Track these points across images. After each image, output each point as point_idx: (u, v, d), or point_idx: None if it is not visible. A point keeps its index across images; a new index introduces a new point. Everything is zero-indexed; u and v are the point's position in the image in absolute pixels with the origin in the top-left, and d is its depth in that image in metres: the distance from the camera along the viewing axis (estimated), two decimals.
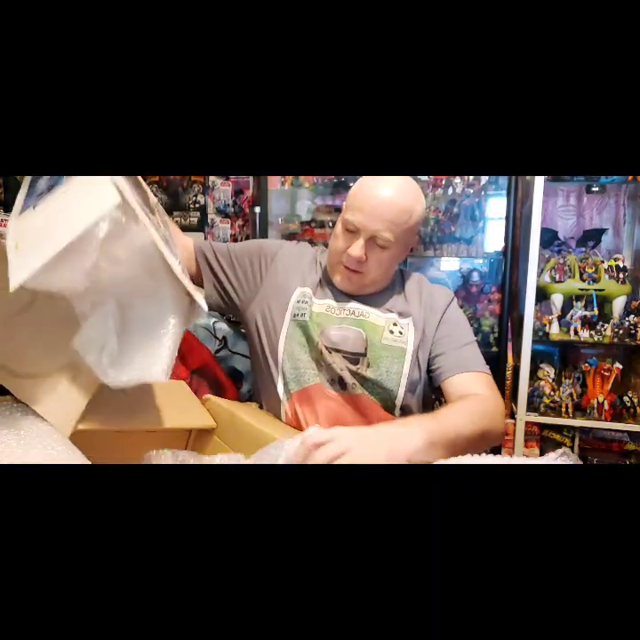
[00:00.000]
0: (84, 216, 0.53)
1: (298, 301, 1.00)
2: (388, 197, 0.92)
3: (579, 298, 1.94)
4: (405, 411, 0.97)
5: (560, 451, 0.61)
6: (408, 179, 0.98)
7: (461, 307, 2.09)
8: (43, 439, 0.56)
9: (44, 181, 0.62)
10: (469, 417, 0.82)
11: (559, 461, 0.58)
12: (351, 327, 0.98)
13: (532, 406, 1.92)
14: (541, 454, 1.95)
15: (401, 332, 0.99)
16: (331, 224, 2.21)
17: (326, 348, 0.96)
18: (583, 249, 2.02)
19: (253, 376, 1.11)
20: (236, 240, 2.41)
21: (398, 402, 0.96)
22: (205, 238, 2.41)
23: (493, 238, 2.12)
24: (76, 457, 0.57)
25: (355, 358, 0.96)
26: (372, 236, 0.93)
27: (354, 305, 1.00)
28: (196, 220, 2.43)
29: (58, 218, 0.55)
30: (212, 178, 2.39)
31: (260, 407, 1.03)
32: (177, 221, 2.41)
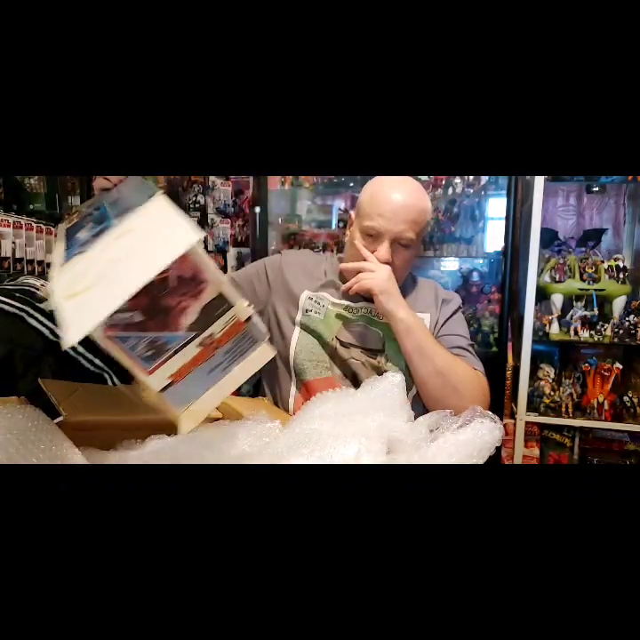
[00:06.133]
0: (158, 259, 0.50)
1: (310, 299, 1.04)
2: (405, 200, 0.97)
3: (579, 298, 1.94)
4: (415, 400, 0.99)
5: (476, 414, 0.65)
6: (411, 179, 1.03)
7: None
8: (44, 442, 0.56)
9: (85, 232, 0.60)
10: (453, 360, 0.95)
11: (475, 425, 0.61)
12: (369, 326, 1.02)
13: (532, 406, 1.92)
14: (541, 454, 1.96)
15: None
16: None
17: (343, 343, 0.98)
18: (583, 249, 2.02)
19: (263, 372, 1.13)
20: (236, 240, 2.41)
21: (411, 394, 0.99)
22: (205, 238, 2.41)
23: (493, 238, 2.12)
24: (76, 460, 0.57)
25: (373, 354, 1.01)
26: (396, 237, 0.97)
27: (370, 305, 1.04)
28: (195, 220, 2.43)
29: (122, 262, 0.53)
30: (211, 178, 2.39)
31: (274, 400, 1.05)
32: None
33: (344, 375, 1.00)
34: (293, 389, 1.01)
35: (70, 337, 0.46)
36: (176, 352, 0.56)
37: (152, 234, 0.55)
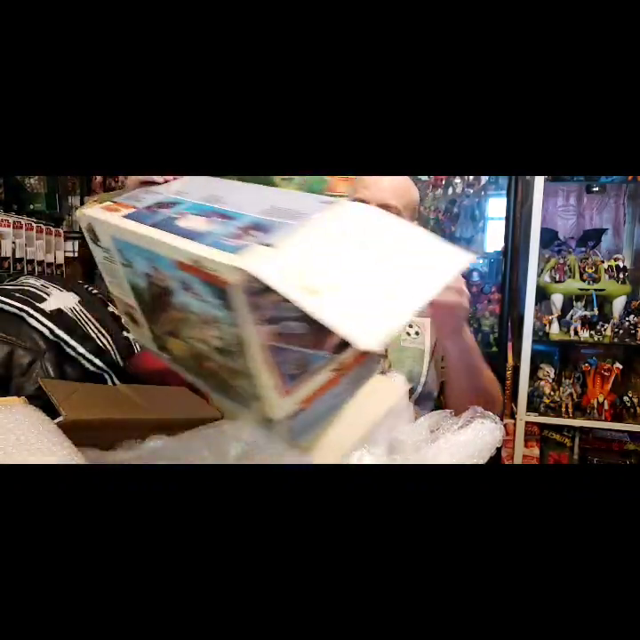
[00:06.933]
0: (441, 275, 0.44)
1: None
2: (388, 176, 1.02)
3: (579, 298, 1.94)
4: (418, 402, 0.99)
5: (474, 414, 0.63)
6: None
7: None
8: (43, 443, 0.55)
9: (188, 222, 0.50)
10: (490, 374, 0.98)
11: (476, 425, 0.60)
12: None
13: (532, 406, 1.92)
14: (541, 454, 1.97)
15: (417, 333, 1.02)
16: None
17: None
18: (583, 249, 2.02)
19: None
20: None
21: (413, 398, 0.98)
22: None
23: (493, 238, 2.12)
24: (77, 460, 0.57)
25: (377, 358, 0.99)
26: (381, 205, 0.98)
27: None
28: None
29: (397, 273, 0.44)
30: None
31: None
32: None
33: None
34: None
35: (372, 343, 0.38)
36: (314, 374, 0.49)
37: (412, 250, 0.47)
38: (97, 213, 0.59)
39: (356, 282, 0.43)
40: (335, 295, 0.41)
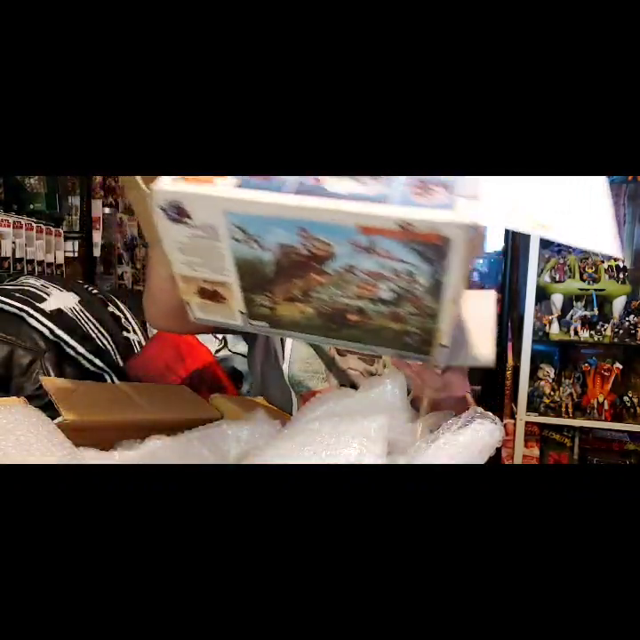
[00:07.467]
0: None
1: None
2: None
3: (579, 298, 1.94)
4: (413, 402, 0.99)
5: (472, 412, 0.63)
6: None
7: None
8: (43, 443, 0.56)
9: None
10: None
11: (476, 426, 0.60)
12: None
13: (532, 406, 1.92)
14: (541, 454, 1.97)
15: None
16: None
17: (340, 351, 0.97)
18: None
19: (262, 375, 1.12)
20: None
21: (408, 399, 0.98)
22: None
23: (493, 238, 2.12)
24: (77, 460, 0.57)
25: (371, 359, 1.00)
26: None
27: None
28: None
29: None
30: None
31: (269, 402, 1.05)
32: None
33: (341, 386, 0.99)
34: (294, 399, 1.01)
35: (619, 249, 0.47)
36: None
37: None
38: (191, 188, 0.53)
39: (563, 213, 0.48)
40: (563, 223, 0.47)
